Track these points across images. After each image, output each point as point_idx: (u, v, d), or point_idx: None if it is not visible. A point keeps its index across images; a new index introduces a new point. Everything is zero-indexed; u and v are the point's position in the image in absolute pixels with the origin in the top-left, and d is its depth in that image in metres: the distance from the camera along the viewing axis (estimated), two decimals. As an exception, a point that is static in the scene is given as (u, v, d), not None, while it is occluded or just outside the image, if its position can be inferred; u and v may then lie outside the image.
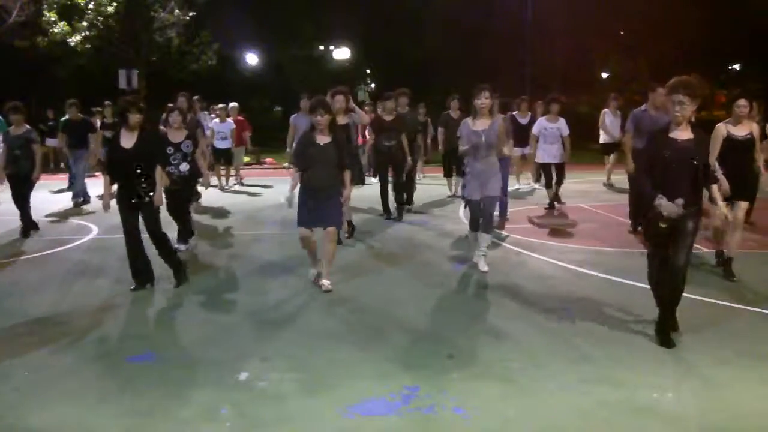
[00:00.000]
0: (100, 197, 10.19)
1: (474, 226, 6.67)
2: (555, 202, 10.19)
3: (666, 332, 4.67)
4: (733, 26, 25.42)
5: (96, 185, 10.13)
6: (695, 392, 3.95)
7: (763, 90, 23.24)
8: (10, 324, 5.15)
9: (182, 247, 7.34)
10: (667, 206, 4.43)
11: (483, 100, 6.34)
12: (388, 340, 4.80)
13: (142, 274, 5.95)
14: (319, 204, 5.78)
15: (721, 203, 4.99)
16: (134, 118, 5.75)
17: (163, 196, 6.01)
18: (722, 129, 6.35)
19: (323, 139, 5.80)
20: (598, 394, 3.89)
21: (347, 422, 3.59)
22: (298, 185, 5.89)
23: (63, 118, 11.53)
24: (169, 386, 4.03)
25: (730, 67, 32.38)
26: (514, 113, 11.77)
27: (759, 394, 3.94)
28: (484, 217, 6.54)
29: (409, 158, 9.49)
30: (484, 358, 4.47)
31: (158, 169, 5.88)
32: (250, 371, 4.23)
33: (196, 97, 9.72)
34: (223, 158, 12.87)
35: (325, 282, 5.92)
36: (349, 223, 8.10)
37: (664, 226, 4.50)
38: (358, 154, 9.08)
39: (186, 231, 7.52)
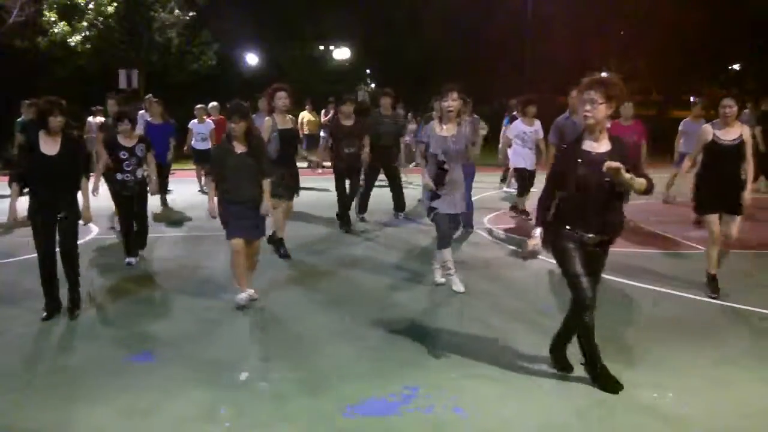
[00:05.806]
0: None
1: (445, 243, 5.87)
2: (523, 215, 9.28)
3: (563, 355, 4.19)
4: (733, 26, 25.44)
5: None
6: (695, 392, 3.95)
7: (761, 90, 23.25)
8: (10, 323, 5.15)
9: (132, 260, 6.94)
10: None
11: (450, 102, 5.52)
12: (387, 340, 4.81)
13: (55, 302, 5.32)
14: (245, 215, 5.48)
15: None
16: (56, 121, 5.07)
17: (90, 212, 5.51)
18: (708, 131, 5.68)
19: (240, 148, 5.45)
20: (596, 393, 3.90)
21: (347, 422, 3.60)
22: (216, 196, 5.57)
23: (19, 119, 10.67)
24: (169, 386, 4.03)
25: (729, 68, 32.39)
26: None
27: (760, 393, 3.95)
28: (449, 234, 5.92)
29: (364, 165, 8.66)
30: (484, 358, 4.47)
31: (84, 181, 5.38)
32: (250, 371, 4.24)
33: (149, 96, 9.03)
34: (202, 160, 11.97)
35: (250, 291, 5.55)
36: (280, 240, 7.15)
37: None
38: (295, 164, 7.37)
39: (141, 240, 7.13)
